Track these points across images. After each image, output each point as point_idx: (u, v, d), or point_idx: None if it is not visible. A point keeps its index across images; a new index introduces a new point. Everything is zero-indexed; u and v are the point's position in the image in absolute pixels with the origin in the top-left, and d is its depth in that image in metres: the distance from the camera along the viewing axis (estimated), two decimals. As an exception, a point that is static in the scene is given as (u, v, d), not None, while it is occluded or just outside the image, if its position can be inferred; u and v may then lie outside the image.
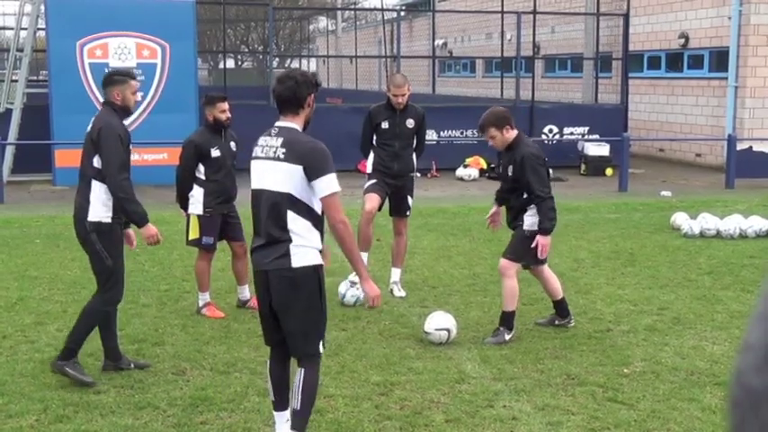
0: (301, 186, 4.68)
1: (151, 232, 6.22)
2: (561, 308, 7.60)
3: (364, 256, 8.60)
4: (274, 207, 4.71)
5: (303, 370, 4.87)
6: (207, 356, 6.77)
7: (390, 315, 7.98)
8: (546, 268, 7.49)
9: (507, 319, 7.24)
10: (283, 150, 4.70)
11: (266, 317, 4.93)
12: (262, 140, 4.85)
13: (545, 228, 7.09)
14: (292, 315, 4.78)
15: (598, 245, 11.40)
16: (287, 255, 4.71)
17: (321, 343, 4.90)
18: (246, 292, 8.13)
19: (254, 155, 4.87)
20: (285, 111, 4.84)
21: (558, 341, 7.22)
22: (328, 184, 4.70)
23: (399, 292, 8.70)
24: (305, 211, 4.72)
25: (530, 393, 6.02)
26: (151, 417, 5.62)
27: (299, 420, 4.88)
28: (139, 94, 17.49)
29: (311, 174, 4.66)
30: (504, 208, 7.59)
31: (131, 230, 6.45)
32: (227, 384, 6.11)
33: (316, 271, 4.79)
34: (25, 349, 6.91)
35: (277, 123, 4.86)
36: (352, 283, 8.32)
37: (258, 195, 4.80)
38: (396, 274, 8.82)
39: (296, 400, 4.87)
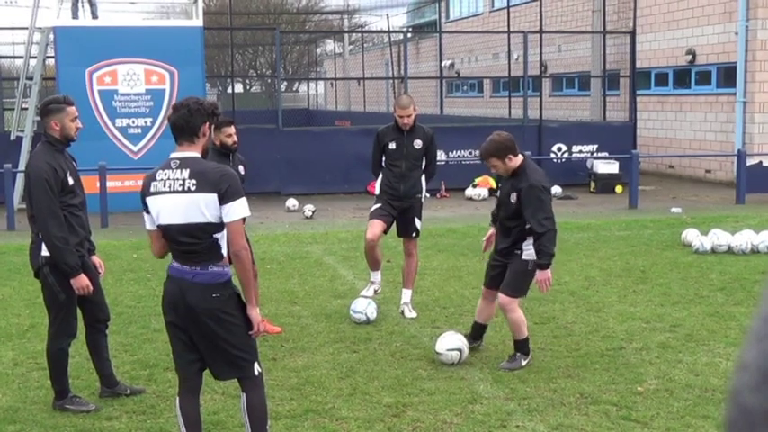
0: (217, 213, 4.59)
1: (82, 283, 5.93)
2: (480, 331, 7.45)
3: (377, 275, 8.68)
4: (193, 239, 4.60)
5: (245, 394, 4.87)
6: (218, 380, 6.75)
7: (402, 336, 7.96)
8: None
9: (521, 346, 7.09)
10: (193, 182, 4.58)
11: (185, 350, 4.79)
12: (161, 174, 4.66)
13: (543, 263, 6.79)
14: (224, 344, 4.71)
15: (609, 262, 11.36)
16: (210, 286, 4.64)
17: (257, 364, 4.88)
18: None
19: (153, 190, 4.67)
20: (181, 139, 4.73)
21: (571, 360, 7.19)
22: (241, 208, 4.64)
23: (410, 312, 8.67)
24: (222, 238, 4.67)
25: (543, 413, 5.99)
26: (163, 442, 5.61)
27: None
28: (148, 120, 17.98)
29: (224, 198, 4.57)
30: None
31: (96, 257, 6.35)
32: (239, 408, 6.06)
33: (238, 296, 4.77)
34: (37, 376, 6.91)
35: (175, 155, 4.71)
36: (363, 297, 8.37)
37: (175, 230, 4.63)
38: (406, 295, 8.80)
39: (247, 425, 4.88)
